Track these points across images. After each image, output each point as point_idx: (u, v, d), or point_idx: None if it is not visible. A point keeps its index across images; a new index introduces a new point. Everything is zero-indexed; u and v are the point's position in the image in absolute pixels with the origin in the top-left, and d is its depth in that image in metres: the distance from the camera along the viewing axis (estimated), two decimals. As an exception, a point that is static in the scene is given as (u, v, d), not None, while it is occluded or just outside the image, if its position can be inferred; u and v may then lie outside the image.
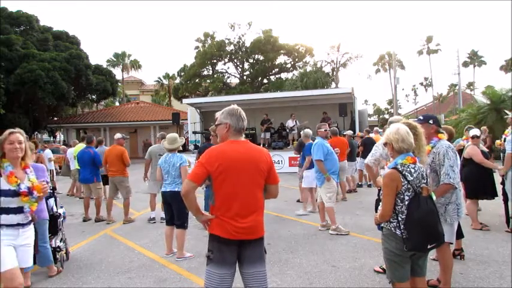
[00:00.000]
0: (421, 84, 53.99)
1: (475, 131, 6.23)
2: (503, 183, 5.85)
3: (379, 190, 3.13)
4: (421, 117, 3.72)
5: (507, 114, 5.97)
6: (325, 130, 6.47)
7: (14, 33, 24.67)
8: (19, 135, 3.04)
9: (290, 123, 16.97)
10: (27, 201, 2.99)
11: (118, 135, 7.84)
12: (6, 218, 2.93)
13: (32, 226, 3.16)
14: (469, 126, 7.53)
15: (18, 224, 2.99)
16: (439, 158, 3.43)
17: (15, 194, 2.93)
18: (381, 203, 2.96)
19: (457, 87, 41.13)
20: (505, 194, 5.88)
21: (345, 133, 10.41)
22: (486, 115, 17.43)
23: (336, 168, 6.30)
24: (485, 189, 6.02)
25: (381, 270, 4.18)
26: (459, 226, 4.20)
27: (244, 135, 2.70)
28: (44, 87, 22.58)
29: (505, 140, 6.32)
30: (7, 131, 3.07)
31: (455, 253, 4.50)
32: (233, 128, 2.59)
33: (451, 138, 4.33)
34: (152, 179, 7.31)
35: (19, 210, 2.98)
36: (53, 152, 14.72)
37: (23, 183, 2.99)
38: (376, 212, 3.02)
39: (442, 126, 3.89)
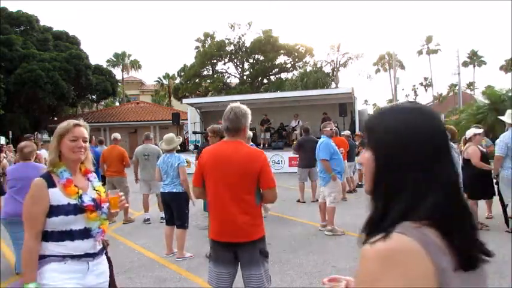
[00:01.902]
0: (421, 84, 53.97)
1: (474, 130, 6.20)
2: (497, 183, 5.90)
3: None
4: None
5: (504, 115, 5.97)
6: (331, 129, 6.46)
7: (14, 33, 24.70)
8: (84, 130, 2.17)
9: (293, 123, 16.99)
10: (95, 219, 2.05)
11: (118, 136, 7.87)
12: (72, 246, 1.98)
13: (104, 257, 2.20)
14: (475, 125, 7.44)
15: (87, 255, 2.01)
16: None
17: (78, 209, 2.01)
18: None
19: (457, 87, 41.13)
20: (500, 194, 5.93)
21: (342, 133, 10.40)
22: (486, 115, 17.42)
23: (342, 168, 6.30)
24: (485, 189, 6.04)
25: None
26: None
27: (244, 136, 2.62)
28: (44, 87, 22.60)
29: None
30: (71, 122, 2.14)
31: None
32: (223, 128, 2.61)
33: (453, 138, 4.34)
34: (142, 179, 7.35)
35: (86, 233, 2.02)
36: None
37: (86, 194, 2.08)
38: None
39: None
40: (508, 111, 5.75)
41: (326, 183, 6.13)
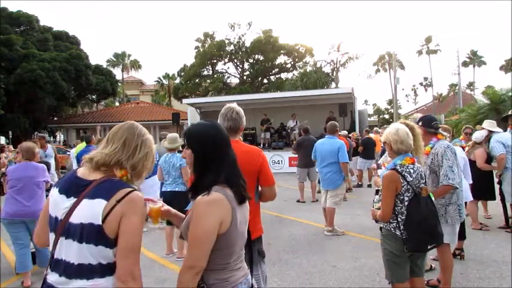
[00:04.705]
0: (421, 84, 53.98)
1: (483, 133, 6.16)
2: (499, 183, 5.96)
3: (377, 190, 3.13)
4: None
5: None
6: None
7: (14, 33, 24.72)
8: None
9: (291, 123, 16.98)
10: None
11: None
12: None
13: None
14: (466, 126, 7.52)
15: None
16: (438, 159, 3.39)
17: None
18: (373, 200, 2.98)
19: (457, 87, 41.12)
20: (502, 194, 5.99)
21: (340, 133, 10.39)
22: (486, 115, 17.42)
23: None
24: (487, 190, 6.06)
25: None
26: (463, 227, 4.20)
27: (240, 135, 2.67)
28: (44, 87, 22.60)
29: None
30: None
31: (456, 253, 4.50)
32: (225, 127, 2.61)
33: (451, 137, 4.35)
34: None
35: None
36: (59, 152, 14.80)
37: None
38: (373, 207, 3.02)
39: (440, 126, 3.88)
40: (485, 121, 6.33)
41: (337, 187, 6.06)
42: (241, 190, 1.70)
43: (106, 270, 1.54)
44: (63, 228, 1.54)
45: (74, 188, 1.59)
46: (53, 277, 1.55)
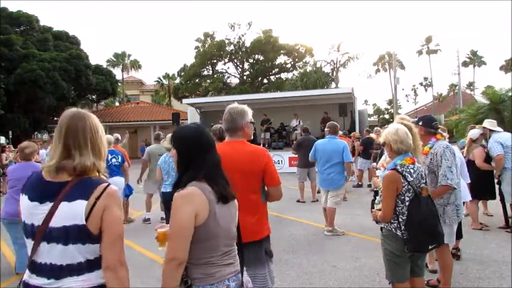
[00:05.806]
0: (421, 84, 54.02)
1: (479, 131, 6.18)
2: (499, 183, 5.97)
3: (376, 191, 3.12)
4: (415, 119, 3.78)
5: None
6: None
7: (14, 33, 24.71)
8: None
9: (294, 122, 16.97)
10: None
11: (119, 136, 7.88)
12: None
13: None
14: (471, 126, 7.51)
15: None
16: (437, 159, 3.40)
17: None
18: (372, 200, 2.98)
19: (457, 87, 41.15)
20: (501, 194, 6.01)
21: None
22: (486, 115, 17.40)
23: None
24: (487, 190, 6.06)
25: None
26: (459, 226, 4.20)
27: (242, 134, 2.61)
28: (44, 87, 22.58)
29: None
30: None
31: (452, 252, 4.49)
32: (224, 129, 2.63)
33: (451, 137, 4.35)
34: (150, 178, 7.30)
35: None
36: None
37: None
38: (373, 208, 3.02)
39: (439, 126, 3.88)
40: (486, 120, 6.32)
41: (339, 187, 6.03)
42: (221, 188, 1.75)
43: (94, 264, 1.56)
44: (43, 233, 1.52)
45: (47, 192, 1.56)
46: (39, 281, 1.54)
